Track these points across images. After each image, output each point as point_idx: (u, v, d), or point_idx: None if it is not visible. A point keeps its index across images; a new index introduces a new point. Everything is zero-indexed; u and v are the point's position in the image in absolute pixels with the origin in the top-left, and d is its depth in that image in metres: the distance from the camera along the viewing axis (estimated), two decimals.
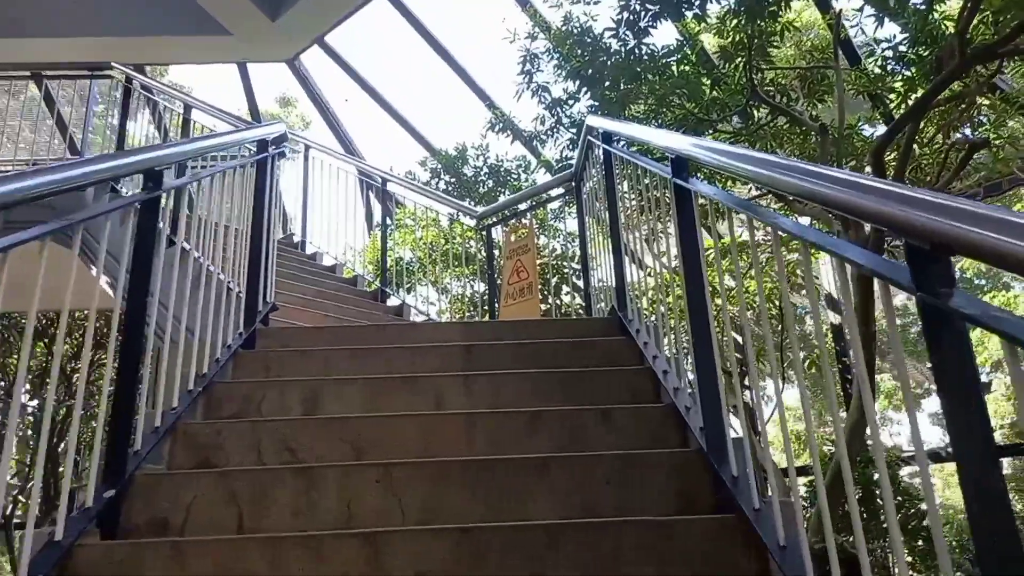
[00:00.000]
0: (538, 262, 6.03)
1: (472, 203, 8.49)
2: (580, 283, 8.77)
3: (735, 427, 2.90)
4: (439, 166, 8.55)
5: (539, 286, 4.96)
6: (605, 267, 4.01)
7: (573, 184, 4.77)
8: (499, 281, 5.46)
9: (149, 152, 2.27)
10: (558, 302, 8.44)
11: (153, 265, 2.40)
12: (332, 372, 3.05)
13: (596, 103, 6.87)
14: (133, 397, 2.26)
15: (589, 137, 4.16)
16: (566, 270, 8.65)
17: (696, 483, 2.15)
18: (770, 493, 2.11)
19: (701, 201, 2.56)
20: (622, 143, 3.70)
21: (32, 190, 1.60)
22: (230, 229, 3.45)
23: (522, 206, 5.57)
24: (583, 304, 9.12)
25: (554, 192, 5.40)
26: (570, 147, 7.21)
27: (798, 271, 8.26)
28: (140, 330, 2.30)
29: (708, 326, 2.28)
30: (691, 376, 2.60)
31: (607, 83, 6.40)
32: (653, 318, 3.13)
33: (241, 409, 2.77)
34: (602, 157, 3.77)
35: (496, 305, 5.14)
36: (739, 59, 6.29)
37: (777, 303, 8.24)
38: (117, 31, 8.41)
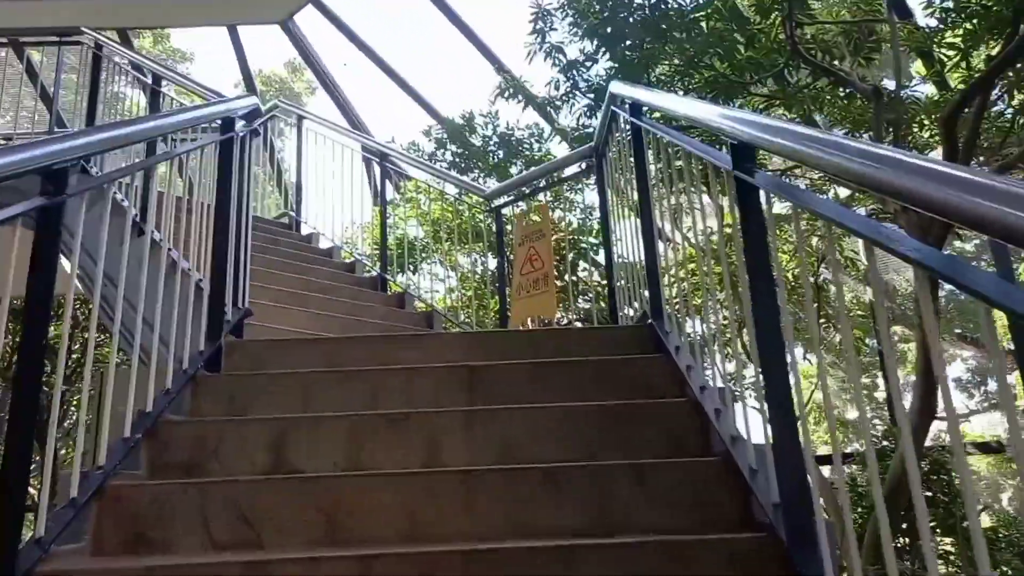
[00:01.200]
0: (553, 238, 5.46)
1: (481, 176, 7.89)
2: (598, 258, 8.22)
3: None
4: (445, 136, 7.93)
5: (555, 277, 4.40)
6: (631, 253, 3.45)
7: (593, 160, 4.17)
8: (509, 270, 4.90)
9: (40, 148, 1.71)
10: (574, 279, 7.90)
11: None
12: (308, 405, 2.52)
13: (616, 65, 6.24)
14: (27, 457, 1.74)
15: (613, 107, 3.56)
16: (583, 245, 8.08)
17: None
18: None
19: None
20: (652, 115, 3.11)
21: None
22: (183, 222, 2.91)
23: (537, 184, 4.98)
24: (600, 282, 8.55)
25: (571, 170, 4.79)
26: (587, 114, 6.59)
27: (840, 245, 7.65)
28: (38, 363, 1.78)
29: (784, 362, 1.73)
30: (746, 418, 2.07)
31: (628, 43, 5.76)
32: (698, 334, 2.57)
33: (192, 458, 2.26)
34: (630, 132, 3.18)
35: (507, 301, 4.58)
36: (776, 13, 5.63)
37: (813, 280, 7.64)
38: None
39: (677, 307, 2.81)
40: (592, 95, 6.35)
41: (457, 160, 7.86)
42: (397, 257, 6.47)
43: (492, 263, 7.76)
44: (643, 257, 3.06)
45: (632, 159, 3.15)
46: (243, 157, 3.43)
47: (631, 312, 3.73)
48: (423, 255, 7.10)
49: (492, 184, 7.95)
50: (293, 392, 2.57)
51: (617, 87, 3.43)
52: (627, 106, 3.17)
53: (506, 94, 6.99)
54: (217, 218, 3.04)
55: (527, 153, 7.77)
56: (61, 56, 6.03)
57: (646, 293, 3.19)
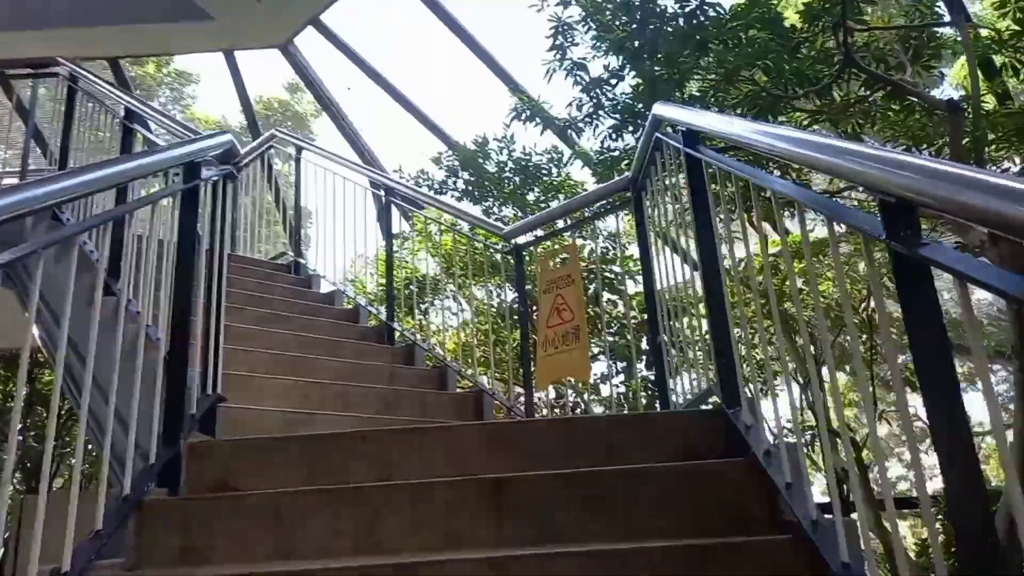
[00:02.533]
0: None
1: (496, 204, 7.31)
2: (622, 288, 7.58)
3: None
4: (457, 163, 7.36)
5: (587, 328, 3.79)
6: (679, 302, 2.83)
7: (630, 193, 3.57)
8: (535, 317, 4.30)
9: None
10: (597, 310, 7.28)
11: None
12: (286, 542, 1.92)
13: (641, 82, 5.65)
14: None
15: (658, 133, 2.97)
16: (607, 275, 7.46)
17: None
18: None
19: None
20: (700, 145, 2.51)
21: None
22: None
23: (560, 223, 4.37)
24: (623, 312, 7.92)
25: (598, 203, 4.17)
26: (612, 136, 5.99)
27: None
28: None
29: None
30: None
31: (659, 56, 5.17)
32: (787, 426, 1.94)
33: None
34: (685, 166, 2.57)
35: (531, 362, 3.96)
36: (825, 20, 5.04)
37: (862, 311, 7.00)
38: (87, 21, 7.33)
39: (757, 389, 2.19)
40: (617, 115, 5.76)
41: (470, 188, 7.28)
42: (406, 298, 5.90)
43: (509, 295, 7.17)
44: (706, 323, 2.45)
45: (688, 199, 2.55)
46: (216, 208, 2.87)
47: (685, 382, 3.12)
48: (434, 293, 6.51)
49: (508, 212, 7.38)
50: (266, 523, 1.97)
51: (664, 110, 2.83)
52: (681, 133, 2.58)
53: (522, 116, 6.41)
54: (178, 288, 2.46)
55: (545, 179, 7.18)
56: (37, 89, 5.55)
57: (706, 358, 2.59)
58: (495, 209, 7.31)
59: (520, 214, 7.22)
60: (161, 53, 9.27)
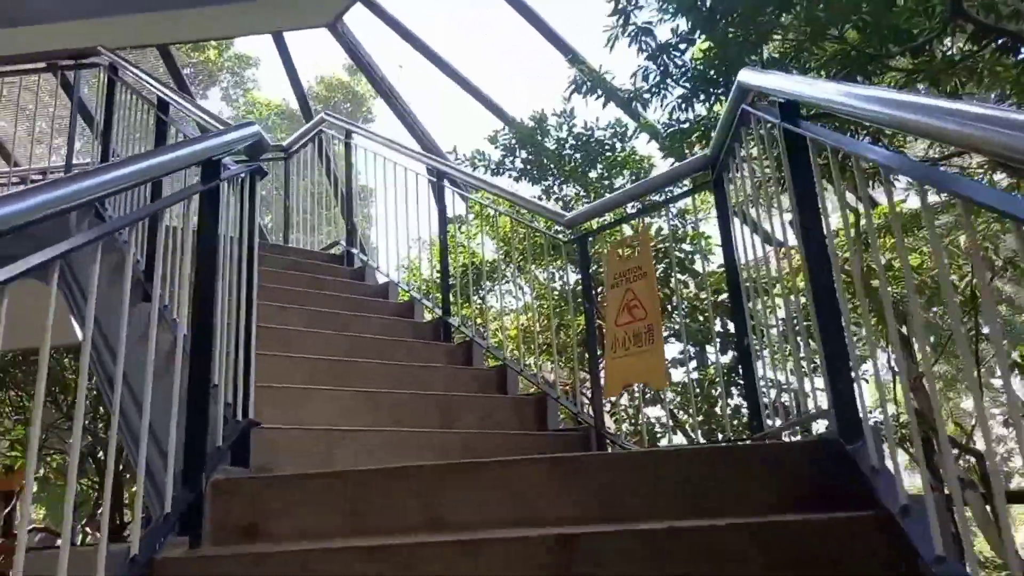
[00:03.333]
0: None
1: (556, 183, 6.89)
2: (697, 267, 7.09)
3: None
4: (514, 140, 6.96)
5: (662, 327, 3.39)
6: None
7: (710, 174, 3.14)
8: (603, 315, 3.92)
9: None
10: (667, 291, 6.83)
11: None
12: None
13: (713, 47, 5.14)
14: None
15: (744, 105, 2.53)
16: (677, 253, 6.97)
17: None
18: None
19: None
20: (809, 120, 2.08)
21: None
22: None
23: (628, 208, 3.95)
24: (696, 293, 7.43)
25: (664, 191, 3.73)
26: (681, 106, 5.49)
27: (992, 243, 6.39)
28: None
29: None
30: None
31: (735, 15, 4.66)
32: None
33: None
34: (782, 144, 2.14)
35: (599, 363, 3.58)
36: None
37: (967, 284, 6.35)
38: (130, 8, 7.18)
39: (891, 427, 1.77)
40: (687, 84, 5.27)
41: (528, 167, 6.88)
42: (463, 287, 5.58)
43: (571, 277, 6.80)
44: (814, 331, 2.02)
45: (791, 183, 2.11)
46: (244, 207, 2.57)
47: (771, 376, 2.72)
48: (492, 281, 6.18)
49: (569, 192, 6.97)
50: None
51: (754, 77, 2.40)
52: (777, 105, 2.15)
53: (583, 89, 5.96)
54: (197, 303, 2.18)
55: (608, 156, 6.72)
56: (79, 79, 5.41)
57: (814, 381, 2.18)
58: (555, 188, 6.91)
59: (582, 193, 6.81)
60: (206, 38, 9.13)
